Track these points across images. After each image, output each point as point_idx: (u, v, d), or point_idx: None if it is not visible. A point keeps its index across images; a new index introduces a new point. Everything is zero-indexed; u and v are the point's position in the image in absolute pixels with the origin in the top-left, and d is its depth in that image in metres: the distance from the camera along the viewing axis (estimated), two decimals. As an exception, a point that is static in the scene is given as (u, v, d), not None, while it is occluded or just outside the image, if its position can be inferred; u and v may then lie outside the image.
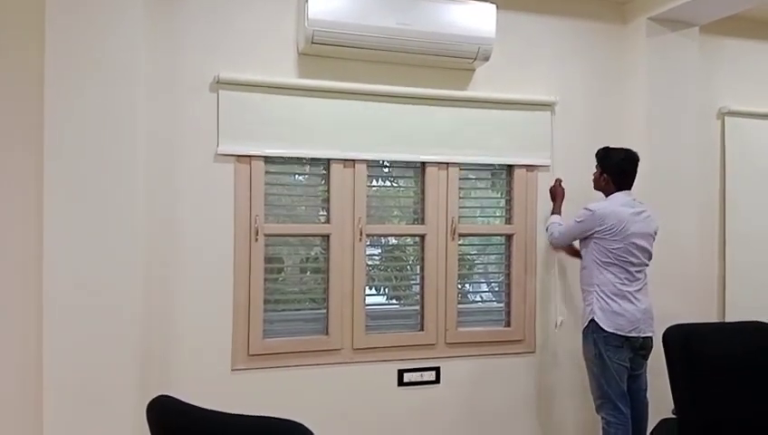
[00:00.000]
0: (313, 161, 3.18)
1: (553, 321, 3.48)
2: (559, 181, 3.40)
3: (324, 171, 3.19)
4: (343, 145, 3.14)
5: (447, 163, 3.32)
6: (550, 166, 3.47)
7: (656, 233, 3.08)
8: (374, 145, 3.19)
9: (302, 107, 3.06)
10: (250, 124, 2.99)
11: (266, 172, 3.05)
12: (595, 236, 2.99)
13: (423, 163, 3.30)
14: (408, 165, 3.34)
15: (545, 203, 3.42)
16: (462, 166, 3.36)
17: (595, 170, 3.17)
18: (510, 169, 3.46)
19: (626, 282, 2.99)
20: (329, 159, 3.15)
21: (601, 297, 2.98)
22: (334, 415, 3.11)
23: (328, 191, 3.16)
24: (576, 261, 3.21)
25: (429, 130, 3.28)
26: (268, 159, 3.05)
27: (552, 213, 3.33)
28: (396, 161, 3.31)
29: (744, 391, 2.42)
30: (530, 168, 3.46)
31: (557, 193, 3.37)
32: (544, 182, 3.45)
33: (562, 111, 3.50)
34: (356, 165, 3.18)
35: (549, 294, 3.50)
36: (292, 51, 3.08)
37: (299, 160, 3.16)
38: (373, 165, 3.26)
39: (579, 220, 3.06)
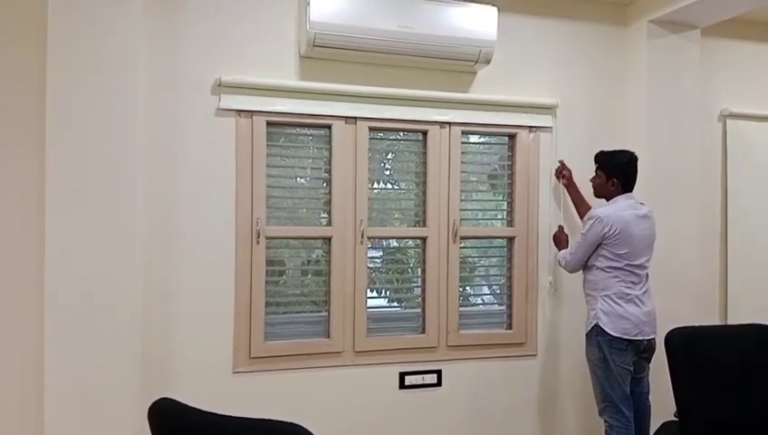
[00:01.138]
0: (316, 126, 3.16)
1: (557, 324, 3.49)
2: (561, 228, 3.39)
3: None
4: (345, 107, 3.14)
5: (449, 123, 3.31)
6: (552, 128, 3.47)
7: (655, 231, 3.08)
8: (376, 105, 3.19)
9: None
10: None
11: (268, 166, 3.05)
12: (604, 242, 2.98)
13: (425, 123, 3.28)
14: (409, 130, 3.32)
15: (546, 171, 3.46)
16: (464, 125, 3.35)
17: (595, 177, 3.15)
18: (512, 136, 3.46)
19: (631, 285, 2.98)
20: (330, 117, 3.12)
21: (606, 302, 2.97)
22: (335, 418, 3.11)
23: (329, 193, 3.16)
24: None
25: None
26: (270, 124, 3.05)
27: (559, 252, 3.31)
28: (397, 119, 3.26)
29: (746, 394, 2.42)
30: (533, 129, 3.45)
31: (560, 239, 3.34)
32: (546, 143, 3.46)
33: (564, 114, 3.50)
34: (357, 122, 3.17)
35: (551, 298, 3.49)
36: (294, 54, 3.08)
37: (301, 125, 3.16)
38: (375, 129, 3.24)
39: (584, 231, 3.04)
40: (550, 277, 3.47)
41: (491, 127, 3.40)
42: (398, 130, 3.33)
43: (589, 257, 3.07)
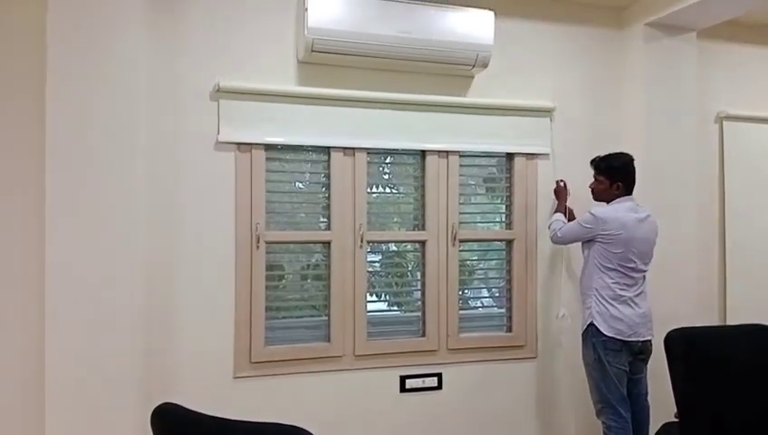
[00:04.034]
0: (315, 149, 3.17)
1: (555, 322, 3.49)
2: (562, 181, 3.41)
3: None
4: (343, 134, 3.14)
5: (447, 151, 3.32)
6: (550, 154, 3.47)
7: (656, 236, 3.09)
8: (375, 133, 3.19)
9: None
10: (251, 119, 3.01)
11: (267, 171, 3.06)
12: (599, 239, 3.00)
13: (423, 152, 3.30)
14: (408, 153, 3.34)
15: (545, 197, 3.45)
16: (462, 153, 3.36)
17: (596, 183, 3.15)
18: (510, 157, 3.46)
19: (625, 287, 2.99)
20: (329, 148, 3.14)
21: (600, 302, 2.99)
22: (336, 422, 3.11)
23: (329, 198, 3.17)
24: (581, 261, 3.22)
25: (430, 122, 3.29)
26: (269, 147, 3.06)
27: (556, 211, 3.34)
28: (396, 150, 3.30)
29: (747, 394, 2.42)
30: (530, 156, 3.46)
31: (561, 193, 3.38)
32: (544, 170, 3.47)
33: (561, 117, 3.51)
34: (356, 153, 3.18)
35: (551, 297, 3.50)
36: (292, 59, 3.09)
37: (300, 149, 3.17)
38: (373, 153, 3.25)
39: (584, 224, 3.05)
40: (563, 310, 3.46)
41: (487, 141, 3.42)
42: (396, 154, 3.37)
43: (586, 251, 3.09)
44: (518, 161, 3.46)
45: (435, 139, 3.30)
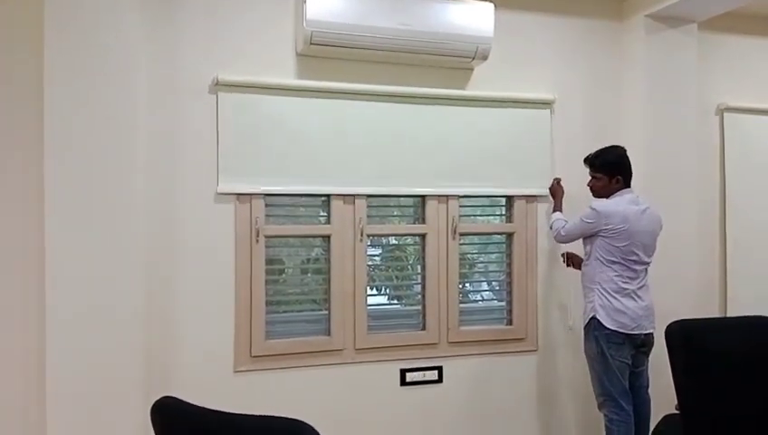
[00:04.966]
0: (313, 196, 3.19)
1: (556, 319, 3.50)
2: (557, 180, 3.41)
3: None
4: (343, 178, 3.13)
5: (447, 196, 3.31)
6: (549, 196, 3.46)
7: (660, 228, 3.08)
8: (374, 177, 3.18)
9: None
10: (249, 156, 2.99)
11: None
12: (601, 233, 2.99)
13: (423, 196, 3.30)
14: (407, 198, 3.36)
15: (545, 234, 3.43)
16: (461, 197, 3.36)
17: (594, 180, 3.12)
18: (509, 199, 3.46)
19: (627, 280, 2.98)
20: (329, 195, 3.15)
21: (603, 295, 2.98)
22: (337, 415, 3.11)
23: (328, 196, 3.17)
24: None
25: (429, 163, 3.27)
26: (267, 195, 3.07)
27: (554, 210, 3.33)
28: (396, 196, 3.31)
29: (748, 386, 2.41)
30: (530, 199, 3.45)
31: (557, 192, 3.37)
32: (543, 214, 3.47)
33: (561, 109, 3.50)
34: (356, 201, 3.17)
35: (551, 290, 3.50)
36: (291, 52, 3.08)
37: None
38: (372, 197, 3.25)
39: (586, 220, 3.03)
40: (570, 322, 3.45)
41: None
42: (396, 197, 3.37)
43: (588, 246, 3.08)
44: (518, 205, 3.45)
45: (433, 180, 3.28)
